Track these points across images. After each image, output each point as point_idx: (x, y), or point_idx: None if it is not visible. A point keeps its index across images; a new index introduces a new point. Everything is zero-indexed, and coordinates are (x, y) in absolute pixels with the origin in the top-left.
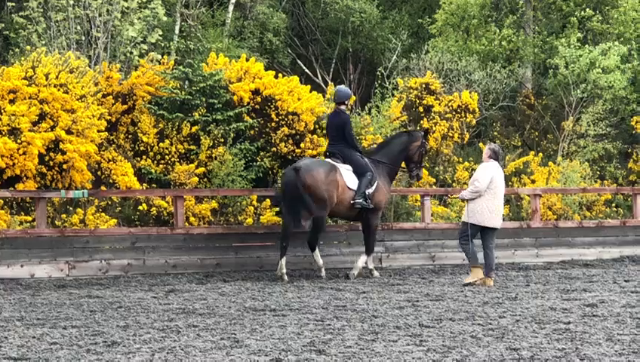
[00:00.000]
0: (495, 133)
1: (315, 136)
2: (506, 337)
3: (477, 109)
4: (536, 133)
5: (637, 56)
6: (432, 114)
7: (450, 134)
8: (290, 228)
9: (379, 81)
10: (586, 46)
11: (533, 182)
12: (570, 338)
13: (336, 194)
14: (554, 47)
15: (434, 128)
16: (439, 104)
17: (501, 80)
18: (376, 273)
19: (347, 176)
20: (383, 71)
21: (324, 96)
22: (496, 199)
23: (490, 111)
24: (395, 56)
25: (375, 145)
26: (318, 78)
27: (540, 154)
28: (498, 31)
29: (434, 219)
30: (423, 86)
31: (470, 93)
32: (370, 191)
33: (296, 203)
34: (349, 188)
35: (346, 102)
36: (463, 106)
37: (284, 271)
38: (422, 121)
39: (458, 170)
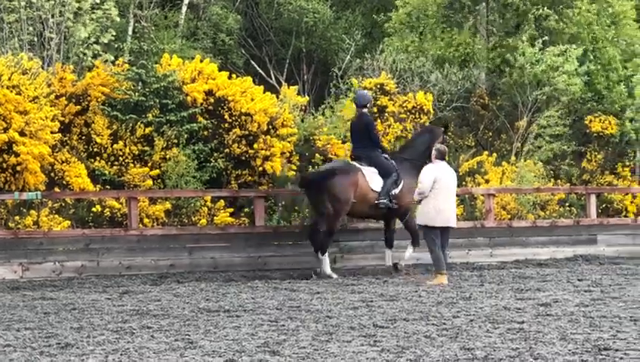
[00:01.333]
0: (449, 134)
1: (268, 137)
2: (460, 337)
3: (432, 110)
4: (490, 133)
5: (592, 57)
6: (386, 115)
7: (405, 135)
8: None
9: (333, 82)
10: (544, 48)
11: (487, 182)
12: (523, 337)
13: (355, 196)
14: (509, 47)
15: (387, 130)
16: (393, 105)
17: (455, 81)
18: (402, 264)
19: (371, 178)
20: (336, 71)
21: (277, 97)
22: (442, 199)
23: (444, 112)
24: (348, 57)
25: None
26: (271, 78)
27: (494, 154)
28: (455, 35)
29: None
30: (378, 86)
31: (425, 94)
32: (395, 191)
33: (318, 204)
34: (372, 190)
35: (368, 106)
36: (418, 107)
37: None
38: (376, 123)
39: None
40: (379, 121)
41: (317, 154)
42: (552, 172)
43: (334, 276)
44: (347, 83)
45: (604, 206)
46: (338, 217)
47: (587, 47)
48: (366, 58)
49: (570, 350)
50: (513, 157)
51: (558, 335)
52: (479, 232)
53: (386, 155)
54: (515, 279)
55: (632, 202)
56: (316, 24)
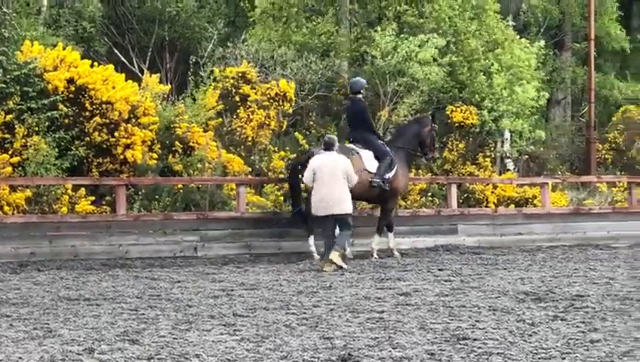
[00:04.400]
0: (311, 123)
1: (129, 126)
2: (320, 326)
3: (293, 98)
4: None
5: (455, 49)
6: (249, 102)
7: (267, 122)
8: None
9: (194, 70)
10: (402, 36)
11: None
12: (383, 327)
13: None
14: (371, 38)
15: (251, 117)
16: (255, 93)
17: (317, 70)
18: (397, 253)
19: (367, 159)
20: (199, 60)
21: (139, 85)
22: (324, 188)
23: (306, 101)
24: (211, 45)
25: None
26: (134, 66)
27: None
28: (319, 24)
29: (249, 208)
30: (240, 75)
31: (288, 82)
32: (389, 175)
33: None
34: (367, 170)
35: (362, 91)
36: (281, 95)
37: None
38: (238, 110)
39: (274, 159)
40: (242, 108)
41: (177, 142)
42: (413, 162)
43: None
44: (207, 71)
45: (465, 196)
46: None
47: (449, 39)
48: (228, 47)
49: (429, 339)
50: None
51: (418, 324)
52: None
53: (381, 141)
54: (375, 268)
55: (492, 192)
56: (179, 13)
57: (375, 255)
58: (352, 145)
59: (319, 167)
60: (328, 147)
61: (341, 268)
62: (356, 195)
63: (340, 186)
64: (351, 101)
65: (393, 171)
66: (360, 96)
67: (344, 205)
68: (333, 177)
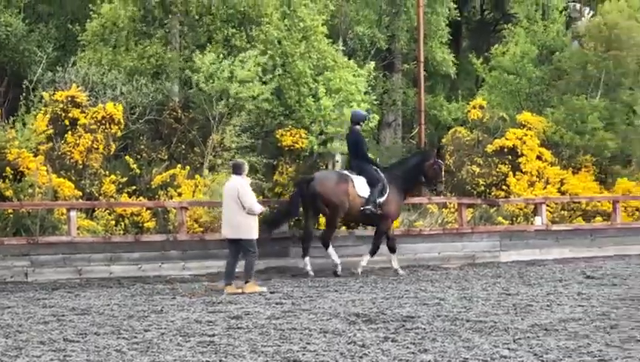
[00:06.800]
0: (142, 146)
1: None
2: (151, 351)
3: (122, 120)
4: (183, 146)
5: (281, 71)
6: (78, 127)
7: (96, 146)
8: (310, 230)
9: (24, 94)
10: (221, 57)
11: (179, 195)
12: (214, 350)
13: (347, 200)
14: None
15: (78, 141)
16: (85, 117)
17: (147, 93)
18: (401, 271)
19: (359, 185)
20: (28, 84)
21: None
22: (225, 212)
23: (136, 124)
24: (40, 69)
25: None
26: None
27: (187, 167)
28: (147, 47)
29: (80, 232)
30: (69, 99)
31: (115, 104)
32: (381, 199)
33: (310, 208)
34: (359, 196)
35: (361, 123)
36: (108, 117)
37: (309, 268)
38: (66, 135)
39: (105, 183)
40: (70, 133)
41: (8, 168)
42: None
43: (339, 269)
44: (37, 95)
45: (297, 219)
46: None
47: (276, 61)
48: (58, 70)
49: None
50: (206, 170)
51: (249, 347)
52: (172, 245)
53: (377, 168)
54: (207, 292)
55: None
56: (8, 37)
57: (359, 271)
58: (347, 172)
59: (224, 192)
60: (234, 171)
61: (261, 292)
62: (351, 218)
63: (235, 211)
64: (350, 131)
65: (385, 196)
66: (358, 127)
67: (240, 230)
68: (232, 202)
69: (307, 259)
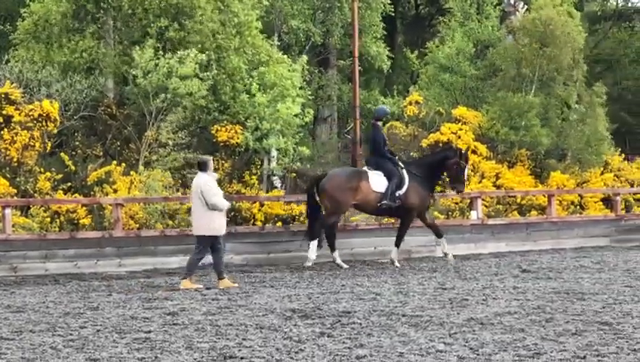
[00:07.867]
0: (77, 143)
1: None
2: (87, 348)
3: (58, 118)
4: (119, 143)
5: (216, 66)
6: (13, 124)
7: (32, 143)
8: (330, 227)
9: None
10: (161, 53)
11: (115, 191)
12: (150, 347)
13: (356, 197)
14: (132, 57)
15: (15, 138)
16: (19, 114)
17: (81, 90)
18: (450, 256)
19: (375, 181)
20: None
21: None
22: (193, 207)
23: (71, 121)
24: None
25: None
26: None
27: (123, 163)
28: (80, 42)
29: (15, 230)
30: (3, 96)
31: (51, 102)
32: (400, 192)
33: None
34: (374, 191)
35: (383, 119)
36: (44, 115)
37: (339, 261)
38: (2, 132)
39: (40, 180)
40: (5, 130)
41: None
42: (180, 181)
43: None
44: None
45: (232, 214)
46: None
47: (210, 56)
48: None
49: (195, 358)
50: (141, 167)
51: (185, 344)
52: (107, 242)
53: (394, 161)
54: (143, 288)
55: (259, 210)
56: None
57: (397, 263)
58: (364, 168)
59: (191, 188)
60: (199, 167)
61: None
62: (373, 212)
63: (197, 207)
64: (372, 127)
65: (404, 189)
66: (380, 123)
67: (201, 226)
68: (195, 198)
69: (336, 253)
